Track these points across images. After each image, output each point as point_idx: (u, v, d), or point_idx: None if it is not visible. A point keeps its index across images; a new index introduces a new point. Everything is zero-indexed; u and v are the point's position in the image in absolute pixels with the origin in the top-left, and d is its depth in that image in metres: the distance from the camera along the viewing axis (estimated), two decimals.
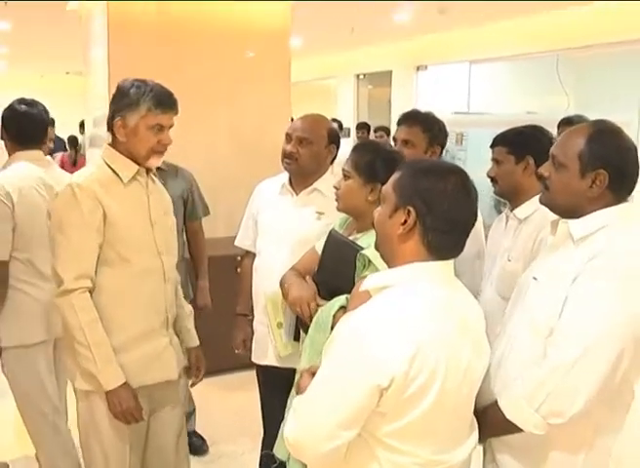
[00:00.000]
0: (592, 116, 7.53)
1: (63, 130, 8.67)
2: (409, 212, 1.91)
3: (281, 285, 2.92)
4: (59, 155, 10.06)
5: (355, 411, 1.81)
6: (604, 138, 2.14)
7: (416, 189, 1.92)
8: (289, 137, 3.28)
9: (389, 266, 2.00)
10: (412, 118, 3.51)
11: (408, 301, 1.87)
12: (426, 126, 3.46)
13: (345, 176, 2.73)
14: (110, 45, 5.87)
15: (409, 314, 1.84)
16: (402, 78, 11.27)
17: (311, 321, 2.57)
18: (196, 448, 4.50)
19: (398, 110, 6.48)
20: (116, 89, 2.84)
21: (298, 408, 1.92)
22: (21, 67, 15.23)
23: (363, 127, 9.83)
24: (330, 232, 2.77)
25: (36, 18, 8.38)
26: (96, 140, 6.59)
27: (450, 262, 1.98)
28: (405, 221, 1.91)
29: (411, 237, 1.92)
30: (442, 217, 1.90)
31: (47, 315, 3.46)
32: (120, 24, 5.88)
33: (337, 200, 2.78)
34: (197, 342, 3.20)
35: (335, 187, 2.78)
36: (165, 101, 2.80)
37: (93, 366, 2.72)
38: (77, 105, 8.55)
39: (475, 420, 2.11)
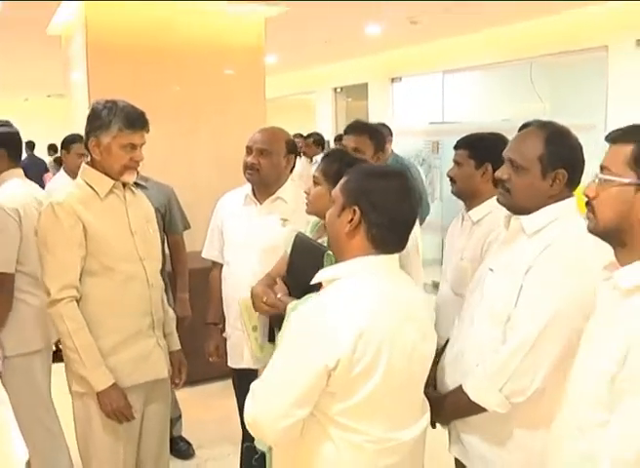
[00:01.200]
0: (566, 120, 7.75)
1: (47, 151, 8.79)
2: (354, 211, 2.07)
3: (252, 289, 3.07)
4: (49, 175, 10.25)
5: (306, 391, 1.96)
6: (559, 140, 2.32)
7: (360, 190, 2.10)
8: (249, 150, 3.43)
9: (339, 261, 2.16)
10: (359, 128, 3.69)
11: (353, 290, 2.03)
12: (372, 134, 3.65)
13: (315, 183, 2.87)
14: (89, 67, 5.99)
15: (353, 301, 2.00)
16: (378, 90, 11.40)
17: (275, 316, 2.72)
18: (182, 453, 4.64)
19: (375, 121, 6.63)
20: (90, 110, 3.00)
21: (255, 390, 2.07)
22: (5, 92, 15.31)
23: (340, 139, 9.96)
24: (296, 235, 2.90)
25: (16, 41, 8.49)
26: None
27: (394, 256, 2.14)
28: (351, 219, 2.07)
29: (357, 233, 2.08)
30: (384, 215, 2.06)
31: (45, 323, 3.59)
32: (99, 47, 6.00)
33: (307, 204, 2.93)
34: (179, 346, 3.35)
35: (305, 192, 2.94)
36: (135, 121, 2.94)
37: (83, 369, 2.89)
38: (59, 127, 8.67)
39: (427, 402, 2.25)
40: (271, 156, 3.41)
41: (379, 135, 3.70)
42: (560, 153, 2.28)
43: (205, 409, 5.26)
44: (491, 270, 2.43)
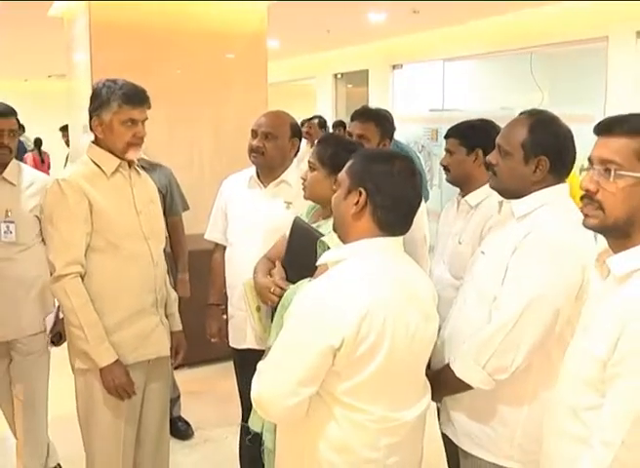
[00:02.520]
0: (564, 110, 7.77)
1: (47, 131, 8.81)
2: (360, 192, 2.12)
3: (254, 272, 3.09)
4: (30, 155, 10.33)
5: (312, 370, 2.02)
6: (543, 128, 2.37)
7: (366, 173, 2.15)
8: (254, 133, 3.46)
9: (345, 243, 2.21)
10: (365, 114, 3.71)
11: (358, 271, 2.09)
12: (378, 121, 3.67)
13: (311, 168, 2.91)
14: (93, 48, 6.03)
15: (358, 282, 2.05)
16: (378, 77, 11.39)
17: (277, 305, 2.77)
18: (182, 433, 4.70)
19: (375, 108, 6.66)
20: (92, 91, 3.06)
21: (261, 369, 2.13)
22: (5, 72, 15.27)
23: (339, 125, 9.97)
24: (294, 219, 2.94)
25: (18, 23, 8.48)
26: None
27: (399, 239, 2.20)
28: (357, 201, 2.13)
29: (363, 215, 2.14)
30: (389, 196, 2.12)
31: None
32: (102, 28, 6.04)
33: (304, 189, 2.97)
34: (180, 327, 3.39)
35: (302, 178, 2.98)
36: (133, 97, 3.00)
37: (86, 345, 2.93)
38: (59, 108, 8.68)
39: (428, 382, 2.31)
40: (276, 139, 3.44)
41: (386, 122, 3.71)
42: (542, 141, 2.35)
43: (204, 390, 5.33)
44: (482, 253, 2.51)
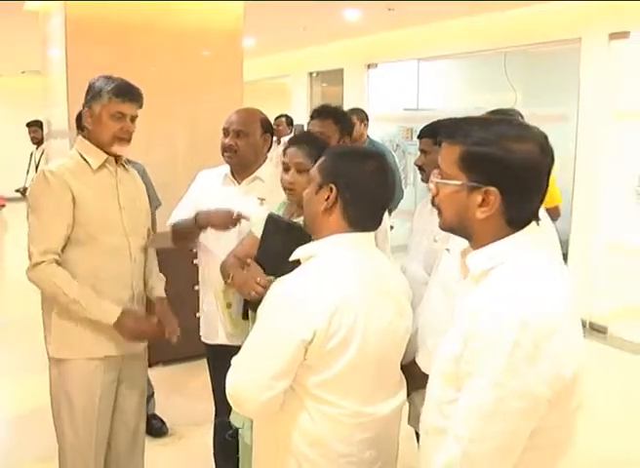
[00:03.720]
0: (538, 110, 7.84)
1: (21, 127, 8.77)
2: (331, 189, 2.17)
3: (222, 269, 3.09)
4: None
5: (285, 364, 2.05)
6: None
7: (337, 169, 2.20)
8: (226, 131, 3.47)
9: (316, 239, 2.25)
10: (324, 112, 3.73)
11: (329, 266, 2.13)
12: (337, 118, 3.69)
13: (301, 171, 2.90)
14: (68, 44, 6.01)
15: (329, 276, 2.09)
16: (353, 76, 11.41)
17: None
18: (156, 430, 4.71)
19: (350, 107, 6.69)
20: (87, 85, 3.13)
21: (235, 365, 2.15)
22: None
23: None
24: (269, 215, 2.95)
25: None
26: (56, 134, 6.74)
27: (370, 234, 2.24)
28: (328, 197, 2.17)
29: (333, 212, 2.18)
30: (360, 194, 2.16)
31: None
32: (78, 24, 6.03)
33: (292, 193, 2.96)
34: (164, 295, 3.46)
35: (289, 182, 2.95)
36: (125, 91, 3.07)
37: (89, 313, 2.99)
38: (34, 104, 8.63)
39: (404, 378, 2.34)
40: (248, 137, 3.45)
41: (344, 119, 3.73)
42: None
43: (178, 387, 5.34)
44: (447, 250, 2.54)
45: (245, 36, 7.35)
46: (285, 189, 3.00)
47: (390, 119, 9.78)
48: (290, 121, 10.23)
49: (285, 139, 9.68)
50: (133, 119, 3.13)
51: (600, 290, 7.22)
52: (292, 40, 10.96)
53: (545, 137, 1.74)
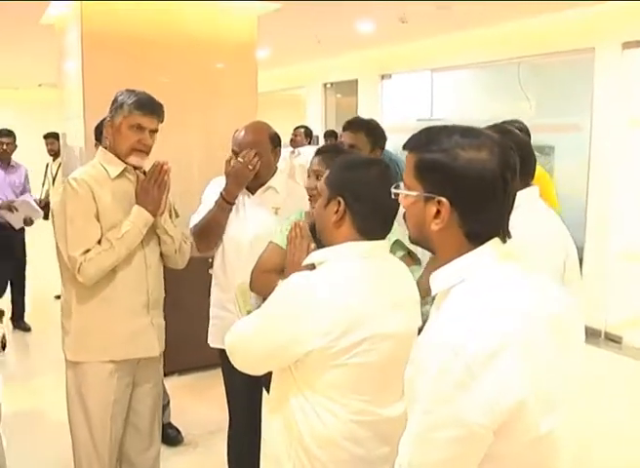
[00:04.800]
0: (552, 120, 7.83)
1: (38, 139, 8.86)
2: (339, 202, 2.21)
3: (257, 285, 3.14)
4: None
5: (280, 351, 2.15)
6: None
7: (343, 182, 2.25)
8: (236, 154, 3.47)
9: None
10: (356, 124, 3.77)
11: (339, 274, 2.16)
12: (369, 131, 3.73)
13: (320, 176, 2.96)
14: (84, 57, 6.05)
15: (337, 286, 2.13)
16: (368, 87, 11.44)
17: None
18: (171, 439, 4.74)
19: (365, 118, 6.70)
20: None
21: (238, 329, 2.28)
22: None
23: (330, 135, 10.09)
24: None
25: (10, 31, 8.50)
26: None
27: (383, 242, 2.27)
28: (337, 210, 2.21)
29: (343, 223, 2.23)
30: (367, 203, 2.21)
31: None
32: (94, 37, 6.06)
33: (311, 199, 3.03)
34: None
35: (309, 187, 3.05)
36: (146, 105, 3.16)
37: (133, 231, 3.14)
38: (50, 116, 8.69)
39: None
40: (260, 156, 3.45)
41: (376, 132, 3.78)
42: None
43: (193, 397, 5.37)
44: None
45: (259, 48, 7.40)
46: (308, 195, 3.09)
47: (404, 129, 9.69)
48: (308, 132, 10.28)
49: (300, 150, 9.73)
50: (152, 132, 3.21)
51: (615, 298, 7.20)
52: (306, 52, 11.01)
53: (507, 148, 1.65)
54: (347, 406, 2.15)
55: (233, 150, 3.51)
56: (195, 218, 3.71)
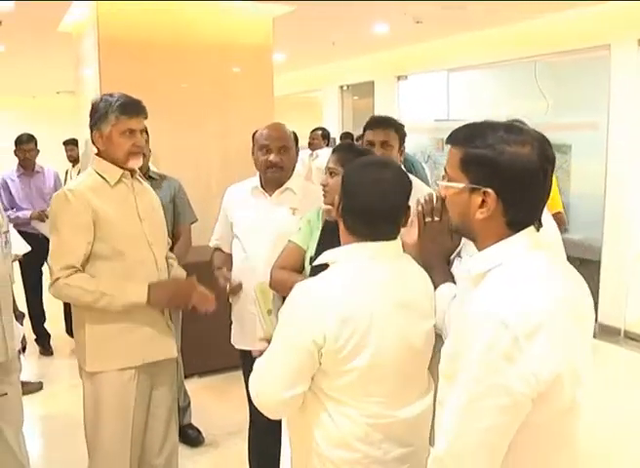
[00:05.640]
0: (569, 118, 7.82)
1: (57, 146, 8.92)
2: (337, 198, 2.26)
3: (276, 283, 3.19)
4: None
5: (298, 368, 2.12)
6: None
7: (344, 179, 2.27)
8: (267, 148, 3.54)
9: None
10: (385, 122, 3.80)
11: (345, 275, 2.18)
12: (397, 127, 3.77)
13: (332, 173, 3.03)
14: (101, 64, 6.12)
15: (342, 287, 2.14)
16: (384, 88, 11.44)
17: None
18: (192, 440, 4.77)
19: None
20: (91, 106, 3.20)
21: (257, 365, 2.24)
22: (14, 89, 15.38)
23: (347, 136, 10.10)
24: (325, 221, 3.11)
25: (28, 39, 8.57)
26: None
27: (391, 243, 2.24)
28: (337, 208, 2.26)
29: (340, 221, 2.27)
30: (354, 201, 2.21)
31: None
32: (110, 43, 6.14)
33: (325, 195, 3.07)
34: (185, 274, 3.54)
35: (322, 184, 3.09)
36: (130, 108, 3.14)
37: (120, 300, 3.06)
38: (68, 123, 8.76)
39: (432, 381, 2.32)
40: (289, 151, 3.58)
41: (402, 128, 3.83)
42: None
43: (214, 398, 5.40)
44: (459, 257, 2.51)
45: (275, 52, 7.44)
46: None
47: (421, 130, 9.76)
48: (326, 134, 10.29)
49: (318, 152, 9.75)
50: (142, 132, 3.21)
51: (633, 297, 7.17)
52: (322, 55, 11.04)
53: (545, 143, 1.78)
54: (361, 409, 2.15)
55: (264, 145, 3.56)
56: (216, 233, 3.94)
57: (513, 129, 1.79)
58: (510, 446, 1.70)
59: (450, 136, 1.85)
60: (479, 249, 1.86)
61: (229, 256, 3.79)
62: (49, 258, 3.10)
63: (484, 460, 1.69)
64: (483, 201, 1.77)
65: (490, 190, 1.75)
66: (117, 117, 3.10)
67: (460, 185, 1.80)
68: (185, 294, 3.26)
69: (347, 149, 3.16)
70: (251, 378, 2.25)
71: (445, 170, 1.88)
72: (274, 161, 3.53)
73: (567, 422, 1.76)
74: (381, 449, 2.18)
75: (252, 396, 2.23)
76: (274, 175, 3.58)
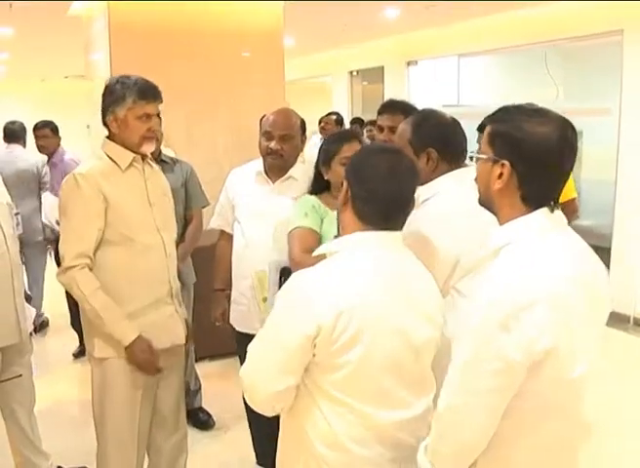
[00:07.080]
0: (580, 104, 7.77)
1: (65, 131, 8.91)
2: (344, 184, 2.23)
3: (300, 264, 3.08)
4: None
5: (291, 358, 2.08)
6: (424, 123, 2.76)
7: (352, 165, 2.26)
8: (269, 135, 3.54)
9: (340, 235, 2.29)
10: (393, 107, 3.77)
11: (344, 266, 2.13)
12: (407, 113, 3.74)
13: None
14: (112, 48, 6.11)
15: (339, 279, 2.09)
16: (394, 73, 11.40)
17: None
18: (203, 423, 4.79)
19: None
20: (104, 88, 3.14)
21: (249, 353, 2.19)
22: (22, 73, 15.37)
23: (356, 121, 10.08)
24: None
25: (37, 23, 8.55)
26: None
27: (393, 234, 2.20)
28: (346, 193, 2.22)
29: (347, 208, 2.22)
30: (364, 187, 2.17)
31: None
32: (121, 27, 6.14)
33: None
34: (186, 315, 3.52)
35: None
36: (148, 92, 3.09)
37: (106, 327, 3.02)
38: (76, 108, 8.76)
39: (433, 382, 2.27)
40: (292, 140, 3.56)
41: (413, 113, 3.80)
42: (424, 135, 2.72)
43: (224, 382, 5.40)
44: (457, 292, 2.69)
45: (285, 36, 7.42)
46: None
47: None
48: (339, 119, 10.17)
49: None
50: (157, 117, 3.17)
51: None
52: (332, 39, 11.00)
53: (569, 127, 1.90)
54: (356, 409, 2.10)
55: (267, 131, 3.56)
56: (217, 219, 3.96)
57: (539, 111, 1.92)
58: (506, 411, 1.80)
59: (487, 116, 1.99)
60: (500, 223, 1.96)
61: (231, 242, 3.80)
62: (60, 244, 3.07)
63: (479, 420, 1.81)
64: (501, 173, 1.89)
65: (506, 162, 1.88)
66: (135, 101, 3.04)
67: (484, 156, 1.94)
68: (149, 369, 3.15)
69: (354, 138, 3.26)
70: (243, 368, 2.20)
71: (479, 145, 2.00)
72: (274, 148, 3.53)
73: (562, 395, 1.83)
74: (375, 450, 2.14)
75: (243, 389, 2.20)
76: (274, 161, 3.58)
